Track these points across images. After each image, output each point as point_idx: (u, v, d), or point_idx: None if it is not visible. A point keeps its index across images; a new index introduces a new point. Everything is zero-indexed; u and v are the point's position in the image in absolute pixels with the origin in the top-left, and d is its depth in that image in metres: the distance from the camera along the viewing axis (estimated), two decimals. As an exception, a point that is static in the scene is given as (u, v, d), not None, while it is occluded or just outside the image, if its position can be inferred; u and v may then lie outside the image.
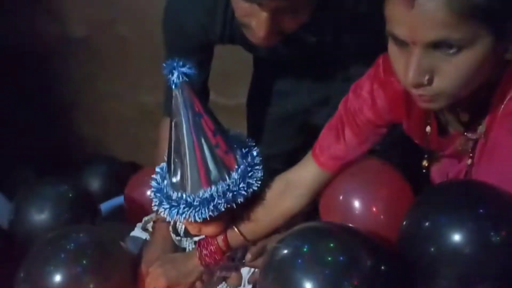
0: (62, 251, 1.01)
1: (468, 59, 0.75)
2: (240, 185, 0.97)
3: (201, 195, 0.95)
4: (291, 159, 1.14)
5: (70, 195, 1.29)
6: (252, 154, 1.02)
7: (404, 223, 0.86)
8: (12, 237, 1.24)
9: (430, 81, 0.77)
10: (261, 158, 1.02)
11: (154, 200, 1.01)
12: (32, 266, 1.01)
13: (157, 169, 1.04)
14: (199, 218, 0.95)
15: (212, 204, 0.95)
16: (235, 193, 0.96)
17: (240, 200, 0.97)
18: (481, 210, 0.78)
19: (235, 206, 0.97)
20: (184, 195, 0.96)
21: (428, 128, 0.96)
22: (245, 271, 1.07)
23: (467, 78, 0.77)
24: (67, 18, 1.74)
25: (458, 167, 0.99)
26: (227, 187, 0.95)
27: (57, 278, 0.98)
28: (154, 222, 1.17)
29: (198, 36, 1.10)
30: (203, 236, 1.06)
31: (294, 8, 0.90)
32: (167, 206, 0.98)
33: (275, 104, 1.32)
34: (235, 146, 1.01)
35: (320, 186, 1.05)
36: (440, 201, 0.83)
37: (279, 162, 1.26)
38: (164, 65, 0.92)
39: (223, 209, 0.96)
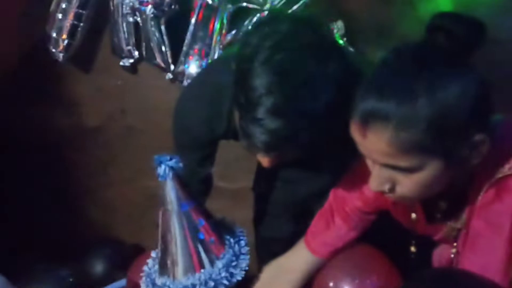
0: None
1: (422, 178, 0.81)
2: (222, 275, 0.99)
3: (183, 282, 0.98)
4: (291, 244, 1.16)
5: (71, 280, 1.32)
6: (240, 243, 1.04)
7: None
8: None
9: (392, 189, 0.84)
10: (248, 248, 1.04)
11: (142, 284, 1.04)
12: None
13: (153, 254, 1.08)
14: None
15: None
16: (217, 282, 0.98)
17: None
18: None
19: None
20: (167, 282, 0.99)
21: (413, 215, 1.00)
22: None
23: (425, 189, 0.84)
24: (80, 110, 1.83)
25: (449, 252, 1.02)
26: (209, 276, 0.98)
27: None
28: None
29: (204, 133, 1.18)
30: None
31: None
32: None
33: (279, 190, 1.36)
34: (223, 234, 1.03)
35: (311, 271, 1.08)
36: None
37: (280, 246, 1.27)
38: (154, 159, 0.97)
39: None
